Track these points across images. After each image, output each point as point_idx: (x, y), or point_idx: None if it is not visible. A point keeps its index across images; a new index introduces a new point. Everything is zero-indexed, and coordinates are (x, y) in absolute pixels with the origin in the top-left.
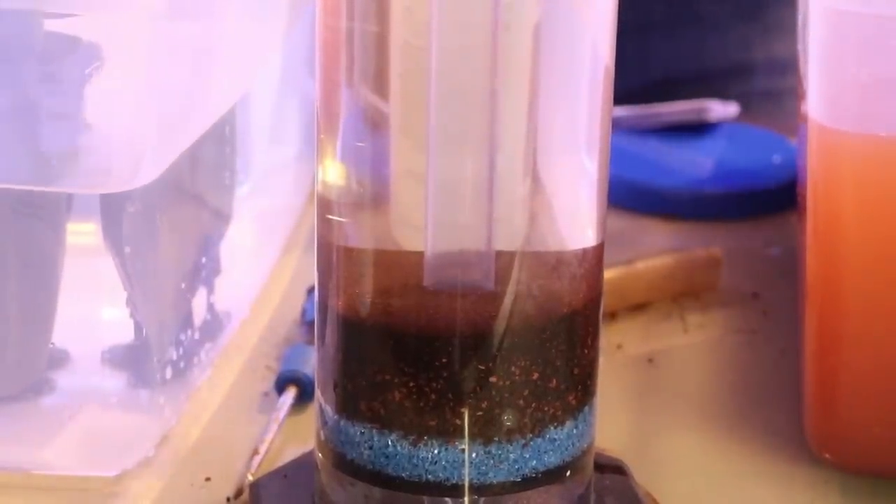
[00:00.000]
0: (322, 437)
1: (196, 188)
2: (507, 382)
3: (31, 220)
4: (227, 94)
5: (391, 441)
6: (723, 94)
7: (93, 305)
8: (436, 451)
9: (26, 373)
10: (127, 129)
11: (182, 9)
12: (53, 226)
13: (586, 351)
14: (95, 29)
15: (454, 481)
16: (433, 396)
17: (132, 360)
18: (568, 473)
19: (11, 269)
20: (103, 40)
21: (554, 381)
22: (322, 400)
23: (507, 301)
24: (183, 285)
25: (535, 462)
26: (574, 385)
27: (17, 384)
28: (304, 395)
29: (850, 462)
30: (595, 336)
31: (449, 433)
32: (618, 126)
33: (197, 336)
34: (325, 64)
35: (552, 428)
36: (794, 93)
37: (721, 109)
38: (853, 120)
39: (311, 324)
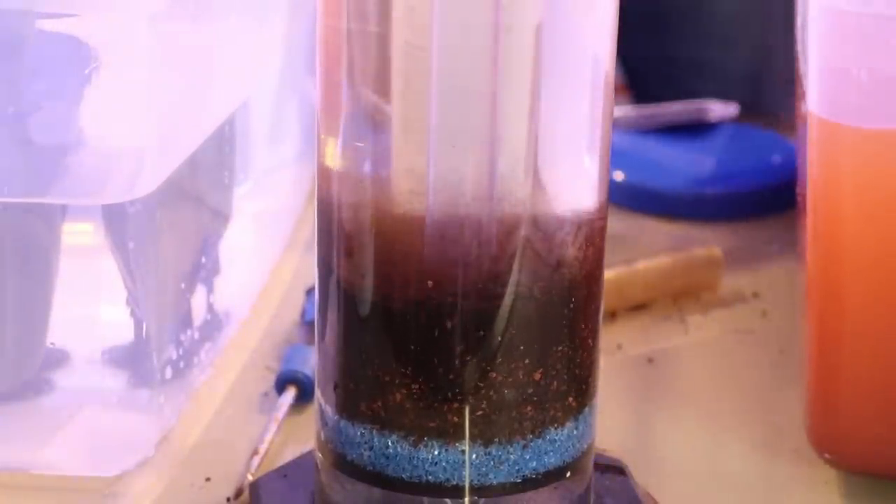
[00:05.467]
0: (322, 438)
1: (196, 188)
2: (508, 383)
3: (24, 215)
4: (229, 99)
5: (391, 442)
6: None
7: (92, 305)
8: (436, 452)
9: (22, 369)
10: (126, 137)
11: (182, 10)
12: (47, 219)
13: (586, 352)
14: (94, 30)
15: (454, 482)
16: (433, 397)
17: (132, 360)
18: (568, 474)
19: (5, 264)
20: (102, 42)
21: (554, 382)
22: (322, 400)
23: (508, 302)
24: (183, 285)
25: (535, 463)
26: (574, 386)
27: (11, 381)
28: (304, 395)
29: (850, 462)
30: (595, 336)
31: (449, 434)
32: (618, 126)
33: (197, 336)
34: (325, 64)
35: (552, 429)
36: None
37: (721, 109)
38: (853, 116)
39: (311, 324)
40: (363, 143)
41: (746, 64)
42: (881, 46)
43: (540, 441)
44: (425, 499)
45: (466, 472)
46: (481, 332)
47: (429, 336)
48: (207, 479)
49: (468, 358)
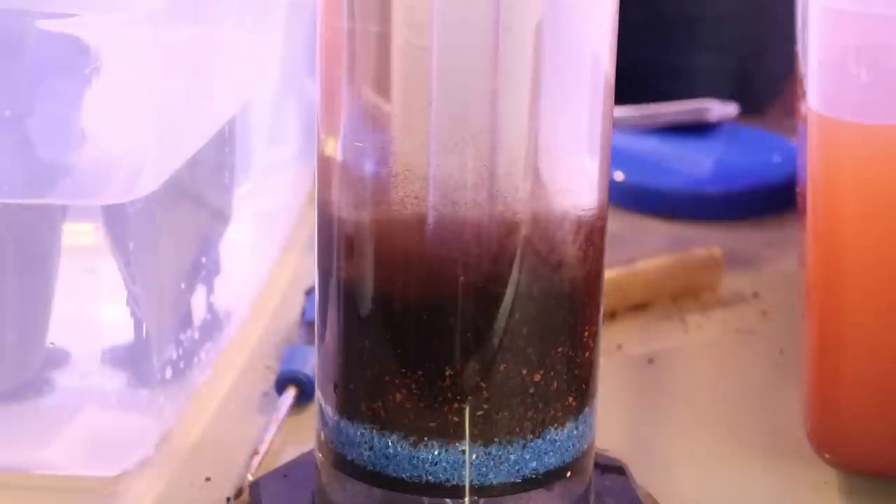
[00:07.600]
0: (322, 438)
1: (196, 188)
2: (508, 383)
3: (24, 215)
4: (229, 100)
5: (391, 442)
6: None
7: (93, 305)
8: (436, 452)
9: (22, 369)
10: (126, 137)
11: (182, 10)
12: (48, 220)
13: (586, 352)
14: (94, 30)
15: (454, 482)
16: (434, 397)
17: (132, 360)
18: (568, 474)
19: (5, 264)
20: (102, 42)
21: (555, 383)
22: (322, 400)
23: (508, 302)
24: (183, 285)
25: (535, 463)
26: (574, 386)
27: (11, 381)
28: (304, 395)
29: (850, 462)
30: (595, 336)
31: (449, 434)
32: (618, 126)
33: (197, 336)
34: (325, 63)
35: (552, 429)
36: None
37: (721, 109)
38: (853, 112)
39: (311, 324)
40: (363, 143)
41: (741, 64)
42: (881, 45)
43: (540, 441)
44: (425, 499)
45: (466, 472)
46: (481, 333)
47: (429, 336)
48: (207, 479)
49: (468, 358)
